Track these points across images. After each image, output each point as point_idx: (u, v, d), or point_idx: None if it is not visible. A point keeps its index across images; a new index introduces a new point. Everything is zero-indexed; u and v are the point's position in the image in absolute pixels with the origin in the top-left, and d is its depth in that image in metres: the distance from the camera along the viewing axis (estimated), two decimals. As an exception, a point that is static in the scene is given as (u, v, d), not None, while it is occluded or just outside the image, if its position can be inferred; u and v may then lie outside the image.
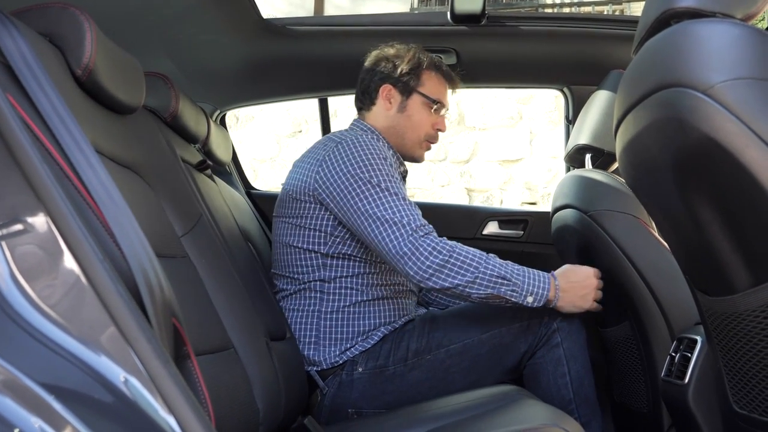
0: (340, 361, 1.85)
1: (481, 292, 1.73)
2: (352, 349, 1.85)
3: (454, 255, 1.72)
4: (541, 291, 1.76)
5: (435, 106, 2.05)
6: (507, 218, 2.77)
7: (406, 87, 2.04)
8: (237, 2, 2.03)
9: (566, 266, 1.86)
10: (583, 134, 2.21)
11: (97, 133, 1.17)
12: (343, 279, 1.89)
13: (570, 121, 2.62)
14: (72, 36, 1.18)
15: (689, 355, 1.61)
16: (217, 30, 2.14)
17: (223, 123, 2.78)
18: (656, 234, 1.86)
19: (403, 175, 2.10)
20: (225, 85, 2.58)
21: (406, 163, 2.13)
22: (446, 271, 1.71)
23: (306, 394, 1.80)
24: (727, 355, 1.30)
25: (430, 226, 1.80)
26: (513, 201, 7.29)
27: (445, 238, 1.77)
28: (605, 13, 9.33)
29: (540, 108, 7.45)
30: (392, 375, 1.81)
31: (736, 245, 1.14)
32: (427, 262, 1.71)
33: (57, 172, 0.89)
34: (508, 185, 7.41)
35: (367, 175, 1.80)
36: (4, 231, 0.78)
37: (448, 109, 2.11)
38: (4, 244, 0.77)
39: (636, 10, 9.17)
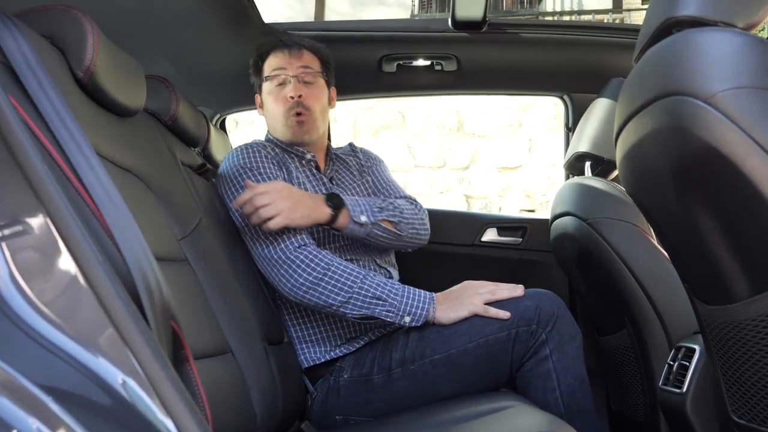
0: (322, 359, 1.84)
1: (355, 312, 1.74)
2: (337, 350, 1.85)
3: (330, 272, 1.73)
4: (419, 311, 1.75)
5: (275, 82, 2.02)
6: (506, 225, 2.77)
7: (257, 85, 2.10)
8: (238, 7, 2.03)
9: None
10: (583, 142, 2.21)
11: (97, 136, 1.17)
12: None
13: (570, 129, 2.63)
14: (74, 38, 1.18)
15: (687, 363, 1.61)
16: (218, 34, 2.14)
17: (222, 127, 2.78)
18: (655, 242, 1.86)
19: (314, 165, 2.05)
20: (225, 89, 2.58)
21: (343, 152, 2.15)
22: (320, 288, 1.73)
23: (303, 399, 1.80)
24: (726, 364, 1.30)
25: (306, 238, 1.80)
26: (511, 208, 7.30)
27: (324, 251, 1.78)
28: (605, 21, 9.36)
29: (539, 115, 7.46)
30: (376, 384, 1.78)
31: (735, 254, 1.14)
32: (302, 278, 1.73)
33: (58, 173, 0.89)
34: (507, 192, 7.42)
35: (235, 191, 1.86)
36: (4, 232, 0.78)
37: (293, 77, 2.00)
38: (3, 244, 0.77)
39: (636, 18, 9.22)
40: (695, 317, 1.41)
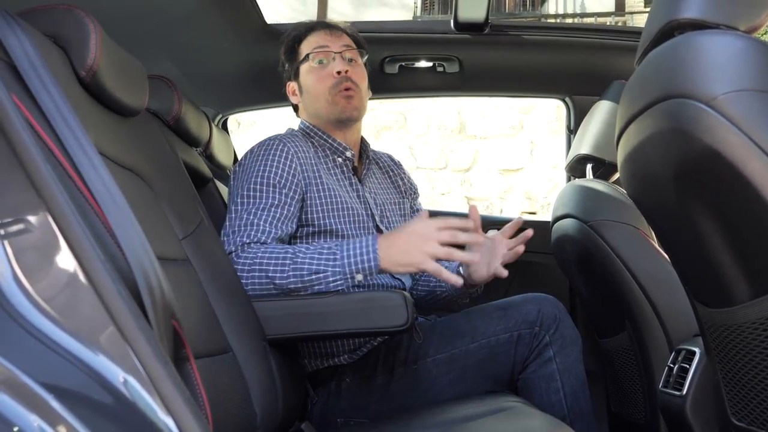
0: (324, 365, 1.84)
1: (302, 293, 1.60)
2: (340, 358, 1.84)
3: (257, 260, 1.61)
4: (367, 265, 1.57)
5: (317, 59, 1.91)
6: (507, 227, 2.76)
7: (292, 71, 1.98)
8: (241, 7, 2.03)
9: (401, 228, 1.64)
10: (584, 144, 2.21)
11: (100, 135, 1.17)
12: None
13: (571, 131, 2.63)
14: (77, 37, 1.18)
15: (687, 366, 1.61)
16: (220, 34, 2.14)
17: (225, 127, 2.78)
18: (656, 245, 1.86)
19: (350, 164, 1.96)
20: (227, 89, 2.58)
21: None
22: (254, 277, 1.61)
23: (303, 400, 1.80)
24: (726, 367, 1.30)
25: (260, 237, 1.69)
26: (513, 210, 7.30)
27: (272, 243, 1.68)
28: (608, 23, 9.37)
29: (541, 118, 7.48)
30: (379, 385, 1.78)
31: (736, 257, 1.14)
32: (239, 264, 1.62)
33: (60, 172, 0.89)
34: (508, 194, 7.43)
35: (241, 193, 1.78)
36: (7, 229, 0.78)
37: (337, 54, 1.91)
38: (5, 242, 0.77)
39: (639, 21, 9.22)
40: (695, 320, 1.41)
